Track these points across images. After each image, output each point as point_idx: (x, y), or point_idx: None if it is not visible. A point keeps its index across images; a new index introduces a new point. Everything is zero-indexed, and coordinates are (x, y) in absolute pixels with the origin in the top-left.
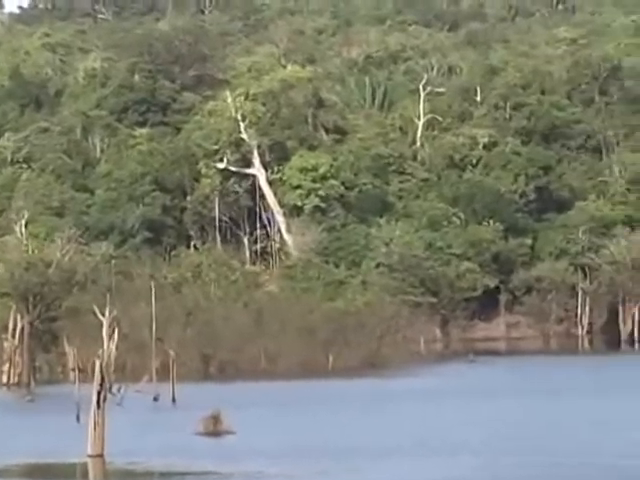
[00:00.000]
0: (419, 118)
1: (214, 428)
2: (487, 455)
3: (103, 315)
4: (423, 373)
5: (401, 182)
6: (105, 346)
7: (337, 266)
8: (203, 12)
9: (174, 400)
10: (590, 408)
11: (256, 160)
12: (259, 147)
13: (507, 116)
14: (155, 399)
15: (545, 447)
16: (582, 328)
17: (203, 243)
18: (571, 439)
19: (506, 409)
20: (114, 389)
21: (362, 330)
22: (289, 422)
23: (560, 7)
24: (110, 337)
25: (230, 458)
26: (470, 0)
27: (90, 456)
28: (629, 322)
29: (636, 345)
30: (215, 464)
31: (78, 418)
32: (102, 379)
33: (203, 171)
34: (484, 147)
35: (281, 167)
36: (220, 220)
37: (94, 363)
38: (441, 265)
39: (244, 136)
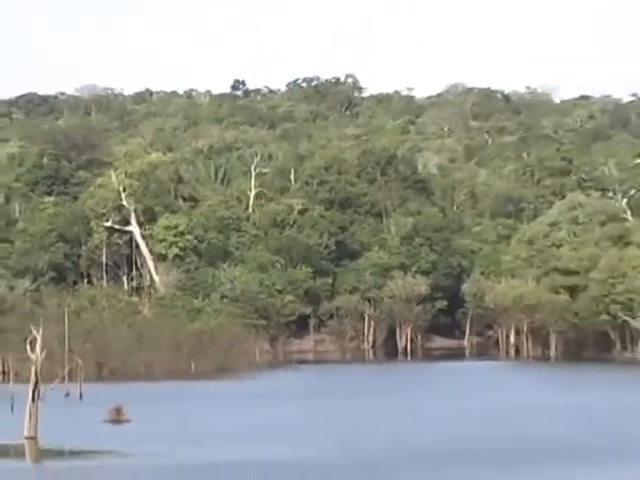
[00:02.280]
0: (250, 191)
1: (117, 417)
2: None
3: (31, 333)
4: (259, 377)
5: (239, 237)
6: (37, 355)
7: (195, 298)
8: (90, 114)
9: (81, 396)
10: (374, 403)
11: (133, 220)
12: (135, 211)
13: (315, 190)
14: (66, 395)
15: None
16: (368, 344)
17: (96, 280)
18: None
19: (321, 405)
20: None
21: (215, 344)
22: (168, 413)
23: (348, 112)
24: (40, 348)
25: (130, 440)
26: (283, 107)
27: (26, 438)
28: (403, 339)
29: (409, 356)
30: (119, 445)
31: (12, 409)
32: (36, 380)
33: (94, 228)
34: (298, 212)
35: (151, 225)
36: (107, 264)
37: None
38: (269, 297)
39: (124, 203)
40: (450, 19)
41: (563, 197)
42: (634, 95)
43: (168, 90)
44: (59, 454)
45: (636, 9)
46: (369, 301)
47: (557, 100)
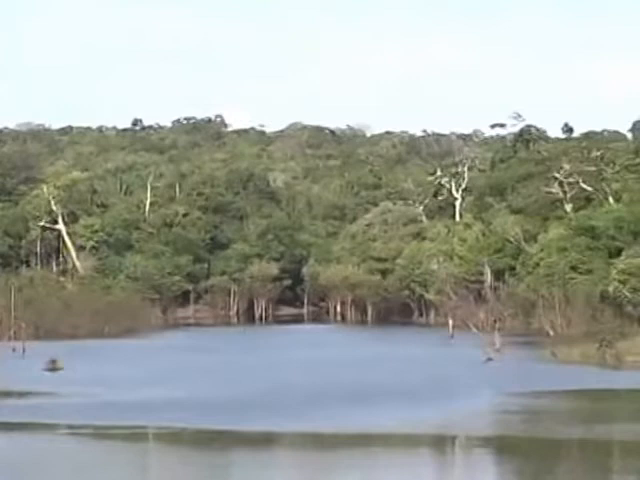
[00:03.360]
0: (147, 200)
1: (53, 367)
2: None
3: None
4: (155, 336)
5: (138, 234)
6: None
7: (107, 278)
8: (26, 143)
9: (24, 351)
10: (238, 356)
11: (60, 221)
12: (62, 214)
13: (194, 199)
14: (13, 350)
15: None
16: (234, 312)
17: (34, 265)
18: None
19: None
20: None
21: (122, 312)
22: (91, 363)
23: (217, 142)
24: None
25: (63, 384)
26: (170, 138)
27: None
28: (259, 309)
29: (263, 321)
30: (55, 387)
31: None
32: None
33: (31, 226)
34: (182, 215)
35: (73, 225)
36: (41, 253)
37: None
38: (161, 278)
39: (53, 208)
40: (294, 71)
41: (376, 205)
42: (424, 131)
43: (85, 125)
44: (8, 394)
45: (427, 68)
46: (234, 281)
47: (369, 134)
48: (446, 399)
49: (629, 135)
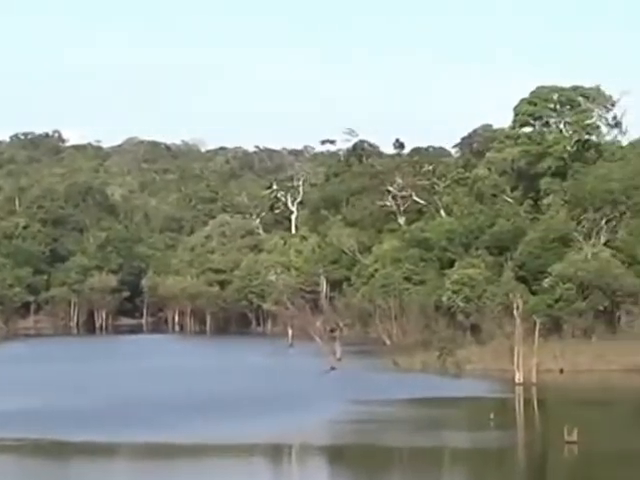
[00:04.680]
0: None
1: None
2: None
3: None
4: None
5: None
6: None
7: None
8: None
9: None
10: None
11: None
12: None
13: (34, 212)
14: None
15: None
16: (74, 322)
17: None
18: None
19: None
20: None
21: None
22: None
23: (55, 157)
24: None
25: None
26: (7, 153)
27: None
28: (99, 319)
29: (103, 332)
30: None
31: None
32: None
33: None
34: (22, 228)
35: None
36: None
37: None
38: (2, 290)
39: None
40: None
41: (213, 218)
42: (257, 147)
43: None
44: None
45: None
46: (74, 292)
47: (203, 149)
48: (290, 409)
49: (453, 151)
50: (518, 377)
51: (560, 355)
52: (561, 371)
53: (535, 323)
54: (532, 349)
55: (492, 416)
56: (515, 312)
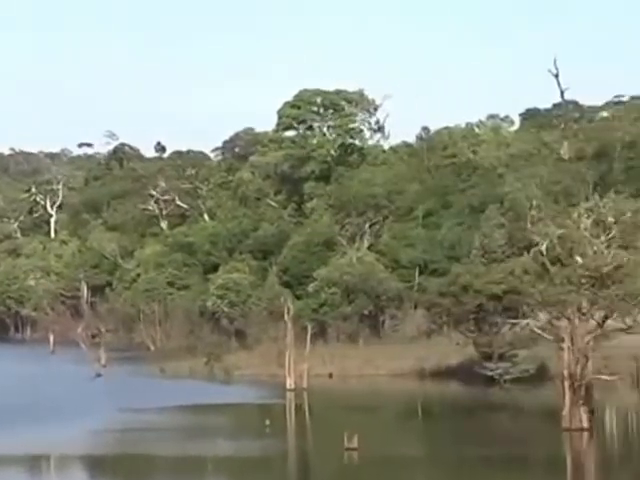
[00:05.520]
0: None
1: None
2: None
3: None
4: None
5: None
6: None
7: None
8: None
9: None
10: None
11: None
12: None
13: None
14: None
15: None
16: None
17: None
18: None
19: None
20: None
21: None
22: None
23: None
24: None
25: None
26: None
27: None
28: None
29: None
30: None
31: None
32: None
33: None
34: None
35: None
36: None
37: None
38: None
39: None
40: None
41: None
42: (12, 149)
43: None
44: None
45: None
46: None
47: None
48: (53, 418)
49: (213, 155)
50: (289, 382)
51: (329, 360)
52: (330, 376)
53: (306, 328)
54: (301, 354)
55: (268, 422)
56: (286, 317)
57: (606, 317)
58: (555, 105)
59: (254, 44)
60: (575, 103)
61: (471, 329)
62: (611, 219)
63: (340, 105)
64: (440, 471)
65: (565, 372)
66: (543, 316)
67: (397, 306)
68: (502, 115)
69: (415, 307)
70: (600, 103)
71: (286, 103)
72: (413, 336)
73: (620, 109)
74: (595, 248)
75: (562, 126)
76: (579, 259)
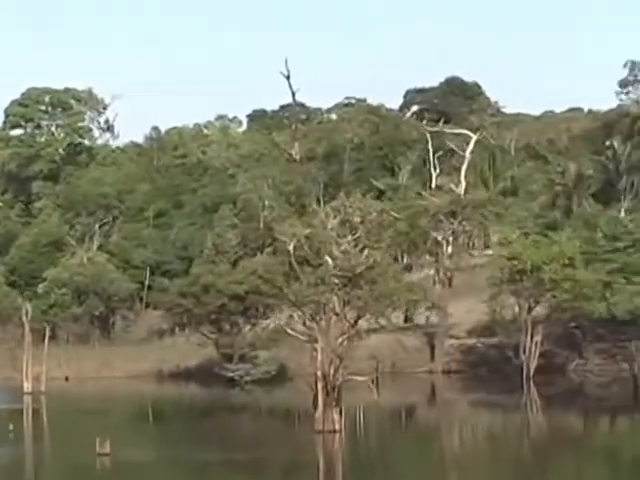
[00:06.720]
0: None
1: None
2: None
3: None
4: None
5: None
6: None
7: None
8: None
9: None
10: None
11: None
12: None
13: None
14: None
15: None
16: None
17: None
18: None
19: None
20: None
21: None
22: None
23: None
24: None
25: None
26: None
27: None
28: None
29: None
30: None
31: None
32: None
33: None
34: None
35: None
36: None
37: None
38: None
39: None
40: None
41: None
42: None
43: None
44: None
45: None
46: None
47: None
48: None
49: None
50: (27, 386)
51: (65, 363)
52: (67, 379)
53: (39, 330)
54: (36, 356)
55: (11, 427)
56: (24, 318)
57: (359, 317)
58: (282, 107)
59: None
60: (303, 105)
61: (212, 330)
62: (357, 219)
63: (69, 104)
64: (187, 475)
65: (319, 373)
66: (284, 317)
67: (129, 307)
68: (230, 116)
69: (147, 307)
70: (329, 105)
71: (13, 101)
72: (144, 337)
73: (349, 111)
74: (342, 248)
75: (293, 127)
76: (328, 259)
